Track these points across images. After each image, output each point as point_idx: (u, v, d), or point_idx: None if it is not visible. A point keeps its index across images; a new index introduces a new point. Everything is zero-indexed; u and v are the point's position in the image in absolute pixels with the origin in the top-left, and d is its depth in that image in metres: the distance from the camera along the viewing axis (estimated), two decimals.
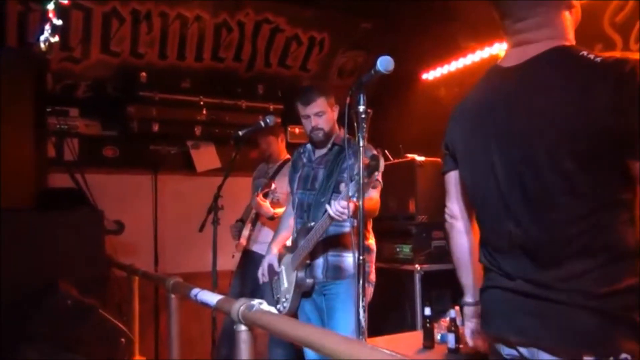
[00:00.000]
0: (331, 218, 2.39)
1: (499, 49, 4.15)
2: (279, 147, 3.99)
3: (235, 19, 4.84)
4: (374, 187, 2.60)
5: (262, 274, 2.90)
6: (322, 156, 2.83)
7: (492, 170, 1.47)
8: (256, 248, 3.84)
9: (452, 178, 1.68)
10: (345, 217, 2.36)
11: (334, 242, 2.61)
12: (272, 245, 2.95)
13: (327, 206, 2.41)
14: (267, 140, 3.95)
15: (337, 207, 2.33)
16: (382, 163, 2.11)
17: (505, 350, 1.49)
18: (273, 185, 3.70)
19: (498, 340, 1.51)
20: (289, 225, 2.99)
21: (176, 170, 4.95)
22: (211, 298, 2.05)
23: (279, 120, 4.96)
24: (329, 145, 2.81)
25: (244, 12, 4.83)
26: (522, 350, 1.42)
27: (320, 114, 2.73)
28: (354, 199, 2.24)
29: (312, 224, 2.62)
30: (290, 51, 5.22)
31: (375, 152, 2.21)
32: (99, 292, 3.39)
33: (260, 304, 1.71)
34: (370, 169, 2.10)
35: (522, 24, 1.48)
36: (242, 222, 4.09)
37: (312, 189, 2.77)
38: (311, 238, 2.57)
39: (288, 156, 3.97)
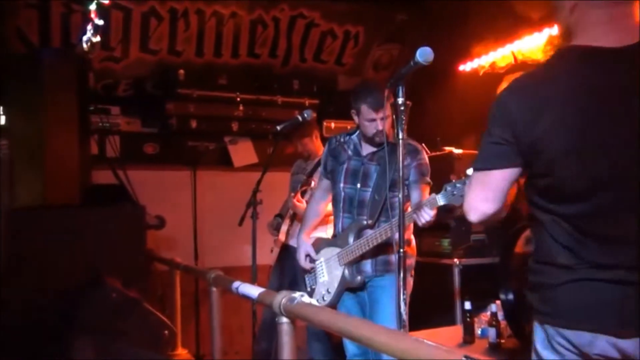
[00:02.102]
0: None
1: (537, 39, 4.07)
2: (315, 146, 4.00)
3: (270, 15, 4.88)
4: (425, 186, 2.63)
5: (304, 263, 2.89)
6: (373, 152, 2.77)
7: (603, 158, 1.36)
8: (294, 243, 3.86)
9: (507, 174, 1.49)
10: (428, 224, 2.43)
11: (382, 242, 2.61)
12: (303, 235, 2.93)
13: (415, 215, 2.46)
14: (302, 142, 3.96)
15: (424, 216, 2.40)
16: None
17: (597, 349, 1.40)
18: (312, 183, 3.72)
19: (598, 331, 1.41)
20: (318, 212, 2.98)
21: (214, 165, 5.03)
22: (253, 291, 2.08)
23: (315, 114, 4.98)
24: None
25: (279, 7, 4.86)
26: (623, 343, 1.36)
27: (386, 118, 2.65)
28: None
29: (369, 222, 2.61)
30: (325, 46, 5.23)
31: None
32: (142, 286, 3.47)
33: (302, 296, 1.73)
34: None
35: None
36: (280, 217, 4.13)
37: (365, 186, 2.72)
38: (372, 238, 2.56)
39: None
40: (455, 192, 2.21)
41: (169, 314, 3.58)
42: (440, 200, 2.30)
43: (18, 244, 3.30)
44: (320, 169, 3.04)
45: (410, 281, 2.74)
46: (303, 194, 3.76)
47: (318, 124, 5.26)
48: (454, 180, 2.21)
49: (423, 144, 4.26)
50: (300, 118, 3.22)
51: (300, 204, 3.69)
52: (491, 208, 1.53)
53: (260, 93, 5.06)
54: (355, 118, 2.75)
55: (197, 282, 4.48)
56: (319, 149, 3.99)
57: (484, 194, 1.53)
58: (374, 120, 2.65)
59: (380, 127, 2.64)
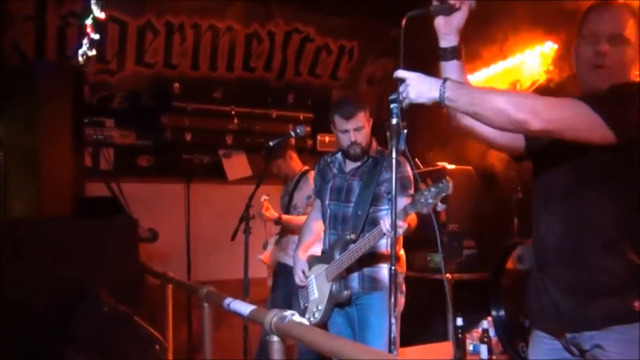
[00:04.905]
0: (384, 233, 2.40)
1: (530, 55, 4.11)
2: (290, 166, 4.03)
3: (265, 29, 4.91)
4: (407, 199, 2.62)
5: (301, 280, 2.90)
6: (356, 168, 2.81)
7: None
8: (287, 260, 3.87)
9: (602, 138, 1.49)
10: (399, 234, 2.38)
11: (368, 254, 2.61)
12: (299, 252, 2.95)
13: (382, 222, 2.41)
14: (276, 164, 3.99)
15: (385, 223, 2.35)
16: (451, 186, 2.13)
17: None
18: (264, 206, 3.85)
19: None
20: (313, 230, 3.00)
21: (208, 179, 5.03)
22: (244, 308, 2.08)
23: (308, 129, 5.00)
24: (364, 158, 2.80)
25: (274, 22, 4.89)
26: None
27: (360, 129, 2.71)
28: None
29: (352, 236, 2.62)
30: (320, 60, 5.26)
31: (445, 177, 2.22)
32: (134, 300, 3.45)
33: (293, 315, 1.73)
34: (439, 190, 2.14)
35: None
36: (279, 236, 4.14)
37: (347, 202, 2.76)
38: (355, 251, 2.56)
39: (305, 167, 4.00)
40: (422, 200, 2.22)
41: (161, 328, 3.55)
42: (410, 209, 2.31)
43: (10, 255, 3.28)
44: (312, 189, 3.09)
45: (402, 299, 2.74)
46: (286, 211, 3.83)
47: (312, 138, 5.30)
48: (422, 189, 2.23)
49: (416, 159, 4.31)
50: (293, 133, 3.23)
51: (267, 211, 3.75)
52: (537, 126, 1.47)
53: (255, 106, 5.09)
54: (334, 132, 2.81)
55: (189, 296, 4.46)
56: (296, 167, 4.02)
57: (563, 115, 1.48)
58: (347, 131, 2.70)
59: (353, 139, 2.68)
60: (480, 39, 4.14)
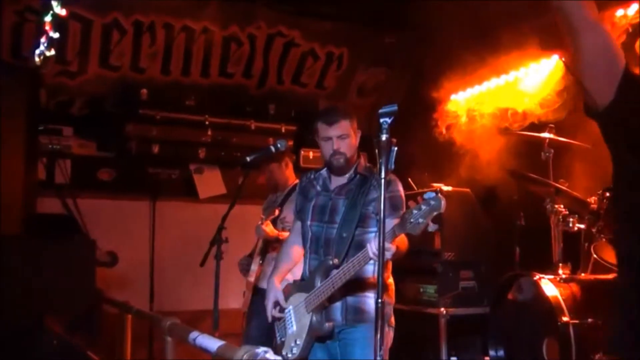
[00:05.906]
0: (370, 258, 2.38)
1: (535, 69, 4.18)
2: (284, 174, 4.01)
3: (245, 32, 4.92)
4: (397, 220, 2.61)
5: (271, 312, 2.87)
6: (341, 186, 2.81)
7: None
8: (265, 285, 3.84)
9: None
10: (386, 258, 2.36)
11: (353, 282, 2.59)
12: (274, 278, 2.91)
13: (368, 245, 2.39)
14: (270, 168, 3.97)
15: (372, 247, 2.33)
16: (443, 204, 2.12)
17: None
18: (276, 212, 3.75)
19: None
20: (291, 256, 2.98)
21: (177, 196, 5.01)
22: (212, 344, 2.04)
23: (290, 142, 5.00)
24: (351, 174, 2.80)
25: (256, 24, 4.90)
26: None
27: (344, 137, 2.73)
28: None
29: (335, 261, 2.60)
30: (306, 67, 5.28)
31: (435, 192, 2.21)
32: (88, 331, 3.40)
33: (266, 352, 1.70)
34: (430, 208, 2.12)
35: None
36: (251, 256, 4.10)
37: (332, 222, 2.74)
38: (338, 278, 2.54)
39: (297, 181, 3.99)
40: (412, 220, 2.21)
41: None
42: (399, 230, 2.30)
43: None
44: (293, 209, 3.06)
45: (390, 333, 2.72)
46: (273, 225, 3.77)
47: (295, 153, 5.30)
48: (411, 207, 2.22)
49: (409, 179, 4.32)
50: (273, 148, 3.22)
51: (267, 227, 3.70)
52: None
53: (232, 117, 5.08)
54: (318, 142, 2.82)
55: (152, 327, 4.40)
56: (290, 178, 4.00)
57: None
58: (329, 139, 2.71)
59: (335, 147, 2.70)
60: (474, 55, 4.23)
